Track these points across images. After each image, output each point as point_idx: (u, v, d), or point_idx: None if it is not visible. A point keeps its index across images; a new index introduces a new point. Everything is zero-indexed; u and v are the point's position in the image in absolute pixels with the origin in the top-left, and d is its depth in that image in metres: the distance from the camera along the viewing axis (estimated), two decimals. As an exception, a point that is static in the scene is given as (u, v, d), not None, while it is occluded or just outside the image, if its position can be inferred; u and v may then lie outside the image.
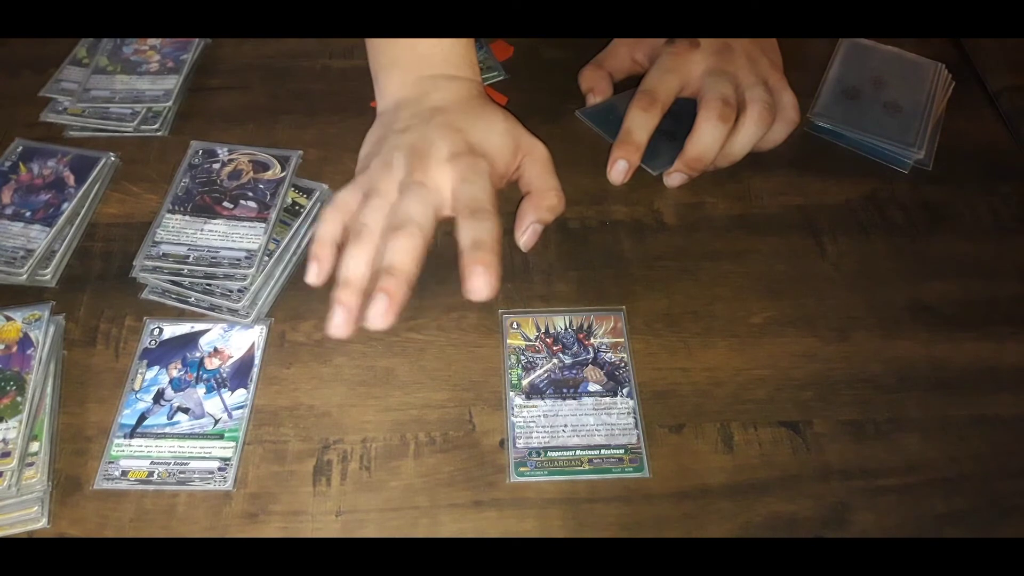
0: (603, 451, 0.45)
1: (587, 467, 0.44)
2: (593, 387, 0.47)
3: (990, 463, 0.45)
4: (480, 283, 0.44)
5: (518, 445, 0.45)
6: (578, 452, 0.45)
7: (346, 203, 0.48)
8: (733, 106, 0.54)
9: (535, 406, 0.46)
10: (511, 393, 0.47)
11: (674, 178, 0.57)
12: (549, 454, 0.45)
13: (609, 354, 0.49)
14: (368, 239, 0.46)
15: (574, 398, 0.47)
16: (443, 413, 0.47)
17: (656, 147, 0.57)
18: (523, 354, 0.49)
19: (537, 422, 0.46)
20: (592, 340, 0.49)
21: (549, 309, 0.51)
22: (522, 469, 0.44)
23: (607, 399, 0.47)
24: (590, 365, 0.48)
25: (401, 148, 0.49)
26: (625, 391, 0.47)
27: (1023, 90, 0.65)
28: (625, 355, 0.49)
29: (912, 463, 0.45)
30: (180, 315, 0.50)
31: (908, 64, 0.65)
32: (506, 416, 0.46)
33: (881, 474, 0.45)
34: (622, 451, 0.45)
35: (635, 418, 0.46)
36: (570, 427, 0.46)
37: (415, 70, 0.53)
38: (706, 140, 0.54)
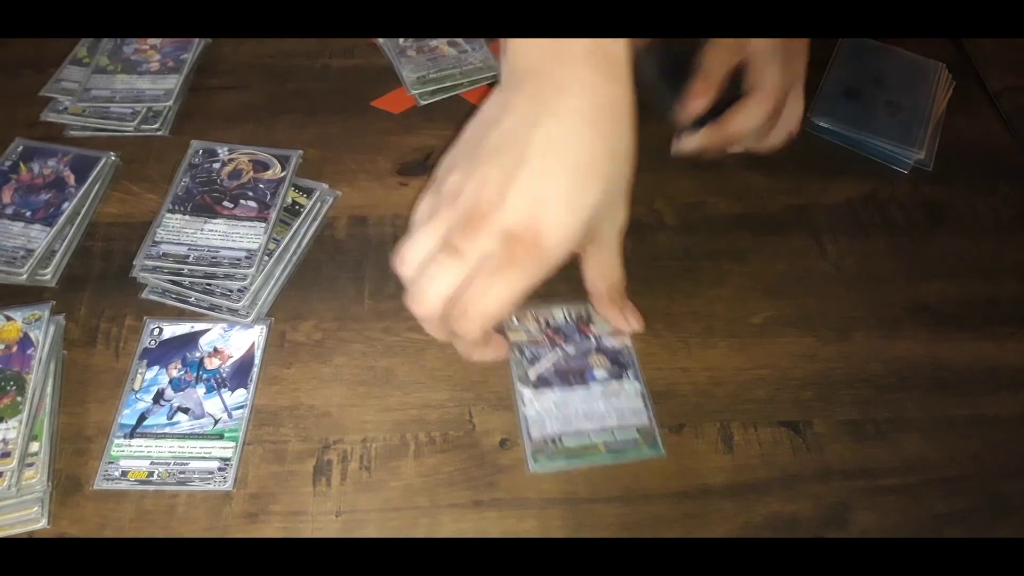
0: (616, 434, 0.45)
1: (603, 451, 0.45)
2: (599, 373, 0.47)
3: (990, 463, 0.45)
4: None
5: (533, 436, 0.45)
6: (592, 437, 0.45)
7: (422, 217, 0.41)
8: (783, 101, 0.53)
9: (546, 397, 0.47)
10: (519, 386, 0.47)
11: (692, 143, 0.53)
12: (565, 442, 0.45)
13: (610, 340, 0.49)
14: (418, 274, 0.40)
15: (582, 385, 0.47)
16: (443, 413, 0.47)
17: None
18: (526, 348, 0.49)
19: (550, 412, 0.46)
20: (593, 328, 0.49)
21: (547, 301, 0.51)
22: (540, 458, 0.44)
23: (614, 384, 0.47)
24: (594, 352, 0.48)
25: (476, 183, 0.39)
26: (631, 373, 0.47)
27: (1023, 90, 0.65)
28: (627, 339, 0.49)
29: (912, 463, 0.45)
30: (180, 315, 0.50)
31: (908, 64, 0.65)
32: (517, 409, 0.46)
33: (881, 474, 0.45)
34: (636, 433, 0.45)
35: (643, 400, 0.46)
36: (582, 414, 0.46)
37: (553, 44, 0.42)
38: (751, 123, 0.52)
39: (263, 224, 0.53)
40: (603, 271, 0.45)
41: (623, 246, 0.44)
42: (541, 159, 0.38)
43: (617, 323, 0.48)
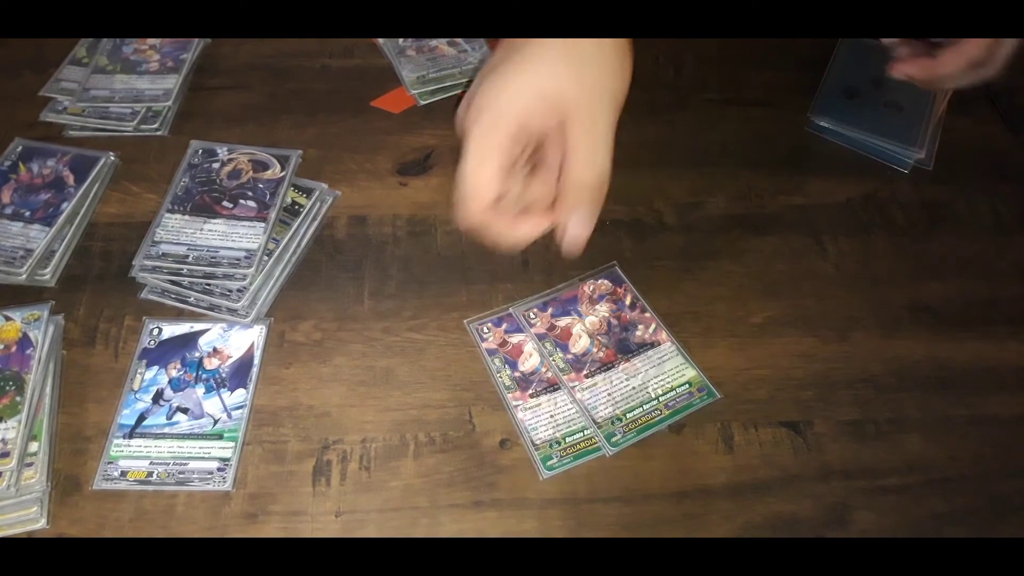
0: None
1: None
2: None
3: (990, 463, 0.45)
4: None
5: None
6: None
7: None
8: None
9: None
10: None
11: (903, 70, 0.56)
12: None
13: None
14: None
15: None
16: (443, 413, 0.47)
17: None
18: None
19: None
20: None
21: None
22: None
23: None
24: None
25: None
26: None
27: (1023, 90, 0.65)
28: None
29: (912, 463, 0.45)
30: (179, 315, 0.50)
31: None
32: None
33: (881, 474, 0.45)
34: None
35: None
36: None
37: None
38: (959, 66, 0.54)
39: (262, 224, 0.53)
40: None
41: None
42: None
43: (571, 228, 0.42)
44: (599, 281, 0.52)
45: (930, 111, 0.61)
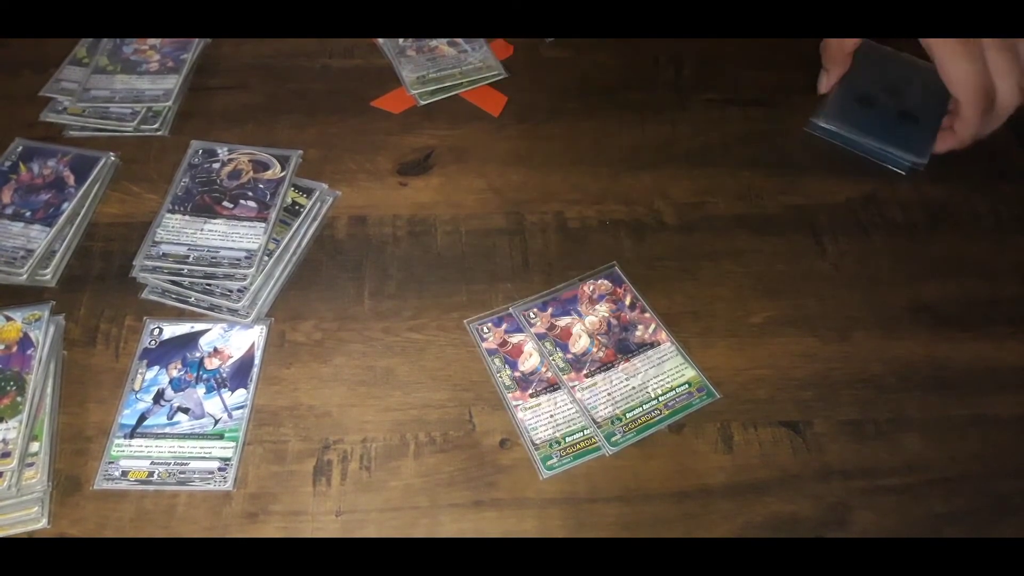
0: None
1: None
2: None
3: (990, 463, 0.45)
4: None
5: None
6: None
7: None
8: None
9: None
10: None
11: (941, 146, 0.59)
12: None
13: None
14: None
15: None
16: (443, 413, 0.47)
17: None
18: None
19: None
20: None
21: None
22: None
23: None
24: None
25: None
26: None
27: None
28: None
29: (912, 463, 0.45)
30: (180, 315, 0.50)
31: (922, 72, 0.63)
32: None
33: (881, 474, 0.45)
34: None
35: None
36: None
37: None
38: (971, 128, 0.57)
39: (263, 224, 0.53)
40: None
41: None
42: None
43: None
44: (599, 281, 0.52)
45: (941, 118, 0.60)
